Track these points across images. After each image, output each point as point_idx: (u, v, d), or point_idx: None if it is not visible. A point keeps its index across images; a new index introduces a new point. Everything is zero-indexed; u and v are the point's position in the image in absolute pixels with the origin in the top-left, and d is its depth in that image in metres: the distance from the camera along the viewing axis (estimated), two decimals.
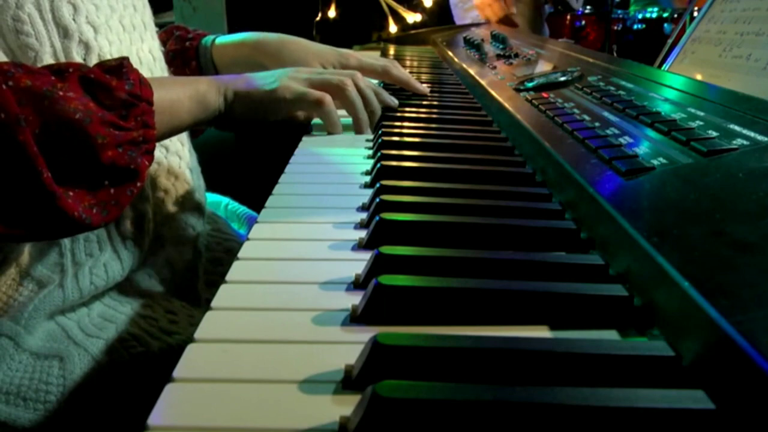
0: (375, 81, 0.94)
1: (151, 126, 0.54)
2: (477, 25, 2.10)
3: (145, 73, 0.70)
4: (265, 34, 0.99)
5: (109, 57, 0.61)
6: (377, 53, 1.76)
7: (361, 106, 0.80)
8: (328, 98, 0.75)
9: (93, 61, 0.59)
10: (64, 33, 0.57)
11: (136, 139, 0.52)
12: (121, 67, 0.54)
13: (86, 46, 0.58)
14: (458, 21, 2.66)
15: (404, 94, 0.99)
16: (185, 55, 0.94)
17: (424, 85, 1.02)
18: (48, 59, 0.55)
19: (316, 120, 0.90)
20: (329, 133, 0.80)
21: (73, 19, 0.57)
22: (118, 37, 0.64)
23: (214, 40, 0.98)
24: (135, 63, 0.67)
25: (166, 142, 0.71)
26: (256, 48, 0.97)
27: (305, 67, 0.92)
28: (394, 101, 0.88)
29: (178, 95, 0.63)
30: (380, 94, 0.85)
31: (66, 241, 0.58)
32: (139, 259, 0.65)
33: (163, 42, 0.95)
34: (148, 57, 0.71)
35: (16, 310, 0.56)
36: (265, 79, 0.74)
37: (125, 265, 0.63)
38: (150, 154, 0.55)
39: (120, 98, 0.52)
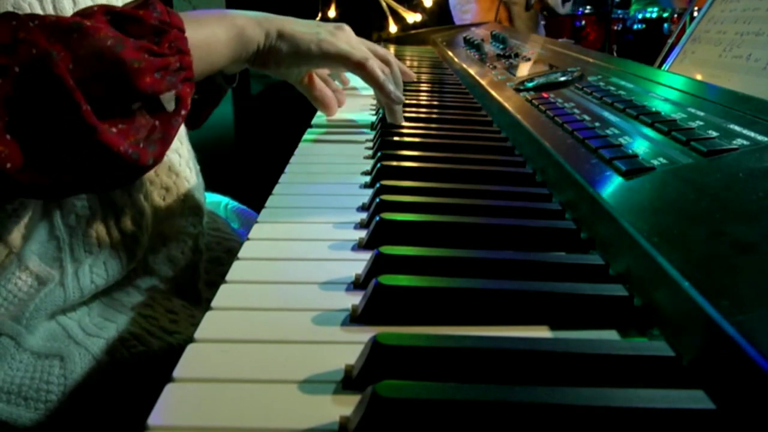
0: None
1: (186, 52, 0.52)
2: (477, 25, 2.10)
3: None
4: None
5: None
6: None
7: (390, 88, 0.77)
8: (372, 61, 0.73)
9: None
10: None
11: (173, 64, 0.50)
12: (146, 1, 0.53)
13: None
14: (457, 22, 2.67)
15: (404, 93, 0.99)
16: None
17: (415, 76, 1.03)
18: None
19: (317, 119, 0.90)
20: (381, 95, 0.77)
21: (73, 11, 0.57)
22: None
23: None
24: None
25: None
26: None
27: None
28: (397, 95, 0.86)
29: (213, 30, 0.60)
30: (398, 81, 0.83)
31: (64, 235, 0.58)
32: (139, 257, 0.65)
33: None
34: None
35: (17, 309, 0.56)
36: (308, 27, 0.71)
37: (125, 264, 0.63)
38: (190, 81, 0.52)
39: (150, 25, 0.50)
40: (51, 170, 0.44)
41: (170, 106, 0.49)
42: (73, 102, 0.43)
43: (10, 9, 0.53)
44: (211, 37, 0.60)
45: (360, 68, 0.73)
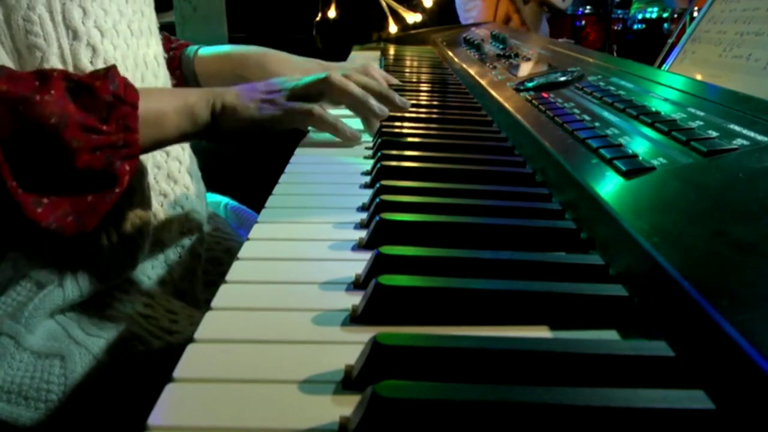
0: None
1: (134, 130, 0.53)
2: (477, 25, 2.11)
3: (151, 78, 0.70)
4: (247, 47, 1.00)
5: (114, 61, 0.61)
6: (377, 53, 1.76)
7: (355, 88, 0.73)
8: (316, 109, 0.70)
9: (99, 64, 0.59)
10: (74, 35, 0.57)
11: (116, 142, 0.51)
12: (107, 70, 0.54)
13: (93, 50, 0.59)
14: (463, 21, 2.68)
15: (404, 93, 0.99)
16: (169, 65, 0.92)
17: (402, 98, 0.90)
18: (55, 60, 0.56)
19: None
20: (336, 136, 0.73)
21: (82, 23, 0.58)
22: (125, 41, 0.64)
23: (197, 50, 0.98)
24: (141, 68, 0.68)
25: (167, 146, 0.71)
26: (239, 61, 0.98)
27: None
28: (405, 104, 0.80)
29: (164, 107, 0.61)
30: (387, 95, 0.78)
31: (62, 240, 0.58)
32: (139, 261, 0.65)
33: None
34: (153, 63, 0.71)
35: (15, 310, 0.56)
36: (255, 93, 0.70)
37: (124, 267, 0.63)
38: (132, 159, 0.53)
39: (102, 99, 0.51)
40: None
41: (106, 184, 0.51)
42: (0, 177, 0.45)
43: (21, 20, 0.53)
44: (161, 113, 0.60)
45: (309, 120, 0.70)
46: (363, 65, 1.03)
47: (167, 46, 0.96)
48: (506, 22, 2.64)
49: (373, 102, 0.74)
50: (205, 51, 0.98)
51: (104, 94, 0.51)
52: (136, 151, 0.54)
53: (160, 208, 0.69)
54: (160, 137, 0.61)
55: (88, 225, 0.51)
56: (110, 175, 0.51)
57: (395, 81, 1.07)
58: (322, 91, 0.72)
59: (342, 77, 0.73)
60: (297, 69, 0.98)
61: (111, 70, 0.54)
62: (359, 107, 0.74)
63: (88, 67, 0.58)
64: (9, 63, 0.54)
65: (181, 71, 0.96)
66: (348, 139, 0.73)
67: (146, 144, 0.58)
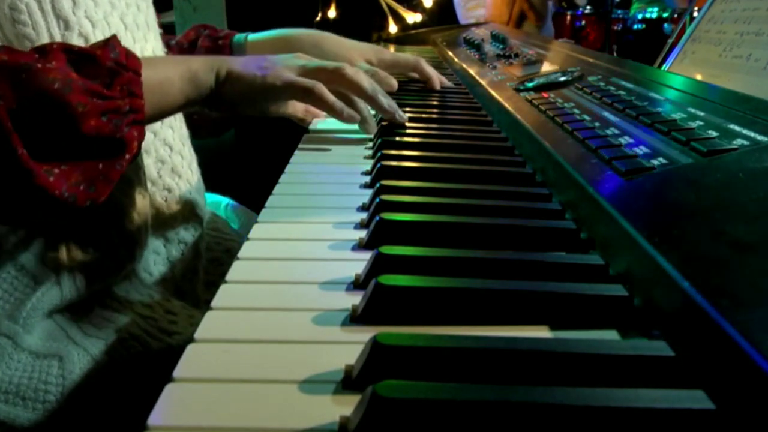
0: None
1: (138, 95, 0.53)
2: (477, 24, 2.10)
3: None
4: (299, 30, 1.00)
5: None
6: None
7: (367, 83, 0.73)
8: (318, 86, 0.69)
9: None
10: (65, 25, 0.57)
11: (122, 107, 0.51)
12: (107, 40, 0.53)
13: (85, 40, 0.59)
14: (462, 21, 2.67)
15: (404, 93, 0.99)
16: (221, 54, 0.93)
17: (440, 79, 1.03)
18: None
19: (317, 120, 0.90)
20: (363, 125, 0.75)
21: (73, 12, 0.58)
22: (118, 34, 0.64)
23: (246, 36, 0.99)
24: None
25: (170, 140, 0.70)
26: (292, 43, 0.97)
27: (344, 61, 0.93)
28: (394, 82, 0.84)
29: (167, 74, 0.60)
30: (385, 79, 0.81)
31: (60, 235, 0.58)
32: (138, 258, 0.65)
33: (192, 41, 0.95)
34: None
35: (13, 308, 0.56)
36: (261, 62, 0.69)
37: (124, 264, 0.63)
38: (139, 125, 0.53)
39: (105, 66, 0.51)
40: None
41: (115, 150, 0.50)
42: (10, 146, 0.44)
43: (7, 9, 0.53)
44: (165, 80, 0.60)
45: (309, 95, 0.70)
46: (416, 58, 1.07)
47: (214, 35, 0.96)
48: (519, 22, 2.62)
49: (383, 98, 0.75)
50: (256, 36, 0.98)
51: (106, 61, 0.51)
52: (143, 117, 0.53)
53: (163, 202, 0.69)
54: (165, 104, 0.60)
55: (100, 193, 0.50)
56: (118, 140, 0.50)
57: (447, 83, 1.11)
58: (332, 79, 0.72)
59: (356, 70, 0.73)
60: (351, 49, 1.00)
61: (111, 40, 0.53)
62: (369, 101, 0.74)
63: None
64: None
65: None
66: (346, 120, 0.73)
67: (151, 110, 0.57)
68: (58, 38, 0.57)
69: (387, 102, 0.76)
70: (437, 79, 1.07)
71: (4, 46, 0.48)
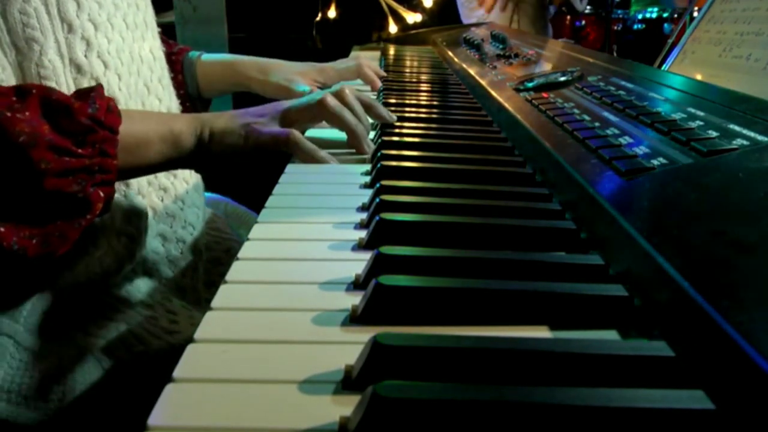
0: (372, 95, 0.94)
1: (111, 155, 0.51)
2: (478, 24, 2.11)
3: (146, 71, 0.70)
4: (247, 57, 1.06)
5: (108, 54, 0.61)
6: (377, 53, 1.76)
7: (349, 116, 0.70)
8: (293, 135, 0.66)
9: (93, 57, 0.60)
10: (69, 28, 0.57)
11: (90, 167, 0.49)
12: (90, 91, 0.52)
13: (87, 43, 0.59)
14: (465, 20, 2.67)
15: (404, 93, 0.99)
16: (171, 70, 0.92)
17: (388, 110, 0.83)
18: (52, 53, 0.56)
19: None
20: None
21: (77, 15, 0.58)
22: (120, 35, 0.64)
23: (199, 56, 1.02)
24: (136, 61, 0.68)
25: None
26: (239, 68, 1.02)
27: (293, 80, 0.97)
28: (391, 117, 0.78)
29: (147, 134, 0.58)
30: (374, 108, 0.76)
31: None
32: (137, 257, 0.65)
33: None
34: (149, 56, 0.71)
35: (14, 309, 0.56)
36: (245, 118, 0.67)
37: (123, 264, 0.63)
38: (108, 185, 0.51)
39: (80, 121, 0.49)
40: None
41: (77, 210, 0.49)
42: None
43: (17, 14, 0.53)
44: (144, 140, 0.58)
45: (287, 147, 0.66)
46: (356, 64, 1.10)
47: (168, 49, 0.97)
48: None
49: (362, 133, 0.71)
50: (209, 57, 1.02)
51: (81, 116, 0.49)
52: (113, 178, 0.52)
53: (159, 202, 0.69)
54: (141, 164, 0.59)
55: (56, 249, 0.48)
56: (81, 200, 0.49)
57: (384, 74, 1.17)
58: (316, 114, 0.70)
59: (338, 102, 0.70)
60: (297, 73, 1.04)
61: (95, 91, 0.52)
62: (350, 136, 0.71)
63: (83, 61, 0.58)
64: (4, 60, 0.54)
65: (183, 75, 0.96)
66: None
67: (126, 169, 0.56)
68: (62, 42, 0.57)
69: (367, 140, 0.72)
70: (377, 80, 1.13)
71: None
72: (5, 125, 0.45)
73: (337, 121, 0.71)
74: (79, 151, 0.48)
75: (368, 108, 0.75)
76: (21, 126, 0.46)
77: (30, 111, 0.47)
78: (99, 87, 0.53)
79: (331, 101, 0.69)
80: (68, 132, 0.48)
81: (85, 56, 0.59)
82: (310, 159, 0.67)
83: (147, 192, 0.66)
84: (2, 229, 0.45)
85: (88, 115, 0.50)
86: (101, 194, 0.50)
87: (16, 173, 0.46)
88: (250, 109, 0.69)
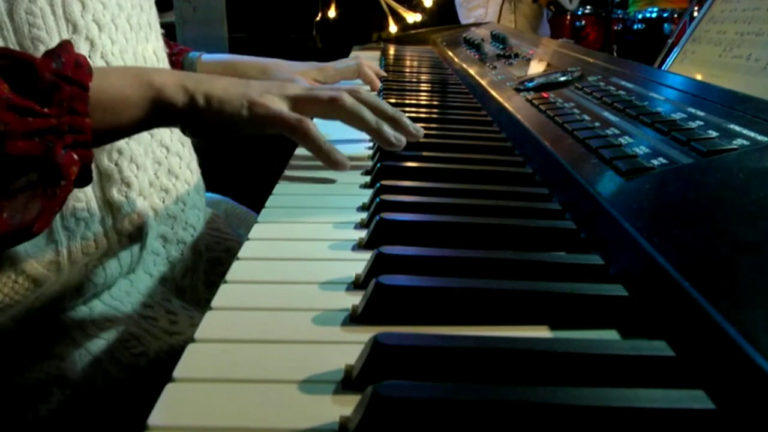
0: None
1: (82, 113, 0.46)
2: (477, 24, 2.11)
3: None
4: (248, 57, 1.06)
5: (111, 56, 0.61)
6: (377, 53, 1.76)
7: (368, 114, 0.64)
8: (305, 123, 0.59)
9: (97, 58, 0.60)
10: (73, 28, 0.57)
11: (59, 126, 0.44)
12: (57, 47, 0.47)
13: (91, 43, 0.59)
14: (463, 20, 2.67)
15: (404, 92, 0.99)
16: (172, 68, 0.92)
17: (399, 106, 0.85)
18: None
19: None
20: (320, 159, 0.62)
21: (81, 16, 0.58)
22: (123, 36, 0.64)
23: (199, 56, 1.02)
24: (140, 63, 0.68)
25: (167, 141, 0.70)
26: (240, 69, 1.02)
27: (294, 80, 0.97)
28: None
29: (123, 89, 0.52)
30: (400, 120, 0.67)
31: (62, 238, 0.58)
32: (138, 258, 0.65)
33: None
34: (152, 57, 0.71)
35: (13, 309, 0.56)
36: (248, 88, 0.60)
37: (123, 264, 0.63)
38: (84, 147, 0.46)
39: (43, 78, 0.45)
40: None
41: (49, 177, 0.44)
42: None
43: (23, 14, 0.53)
44: (120, 96, 0.52)
45: (294, 133, 0.60)
46: (357, 64, 1.10)
47: (169, 51, 0.97)
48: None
49: (387, 130, 0.65)
50: (209, 57, 1.02)
51: (45, 72, 0.45)
52: (87, 139, 0.46)
53: (161, 204, 0.69)
54: (121, 123, 0.52)
55: (32, 224, 0.43)
56: (52, 165, 0.43)
57: (384, 73, 1.18)
58: (330, 111, 0.63)
59: (355, 101, 0.64)
60: (299, 72, 1.04)
61: (61, 47, 0.48)
62: (373, 135, 0.65)
63: None
64: None
65: None
66: (332, 165, 0.62)
67: (104, 131, 0.50)
68: None
69: (393, 134, 0.65)
70: (377, 80, 1.13)
71: None
72: None
73: (357, 122, 0.64)
74: (45, 110, 0.44)
75: (391, 120, 0.67)
76: None
77: None
78: (67, 43, 0.49)
79: (349, 100, 0.63)
80: (31, 90, 0.44)
81: (89, 57, 0.59)
82: (317, 150, 0.61)
83: (148, 193, 0.66)
84: None
85: (53, 71, 0.45)
86: (75, 157, 0.45)
87: None
88: (253, 81, 0.62)
